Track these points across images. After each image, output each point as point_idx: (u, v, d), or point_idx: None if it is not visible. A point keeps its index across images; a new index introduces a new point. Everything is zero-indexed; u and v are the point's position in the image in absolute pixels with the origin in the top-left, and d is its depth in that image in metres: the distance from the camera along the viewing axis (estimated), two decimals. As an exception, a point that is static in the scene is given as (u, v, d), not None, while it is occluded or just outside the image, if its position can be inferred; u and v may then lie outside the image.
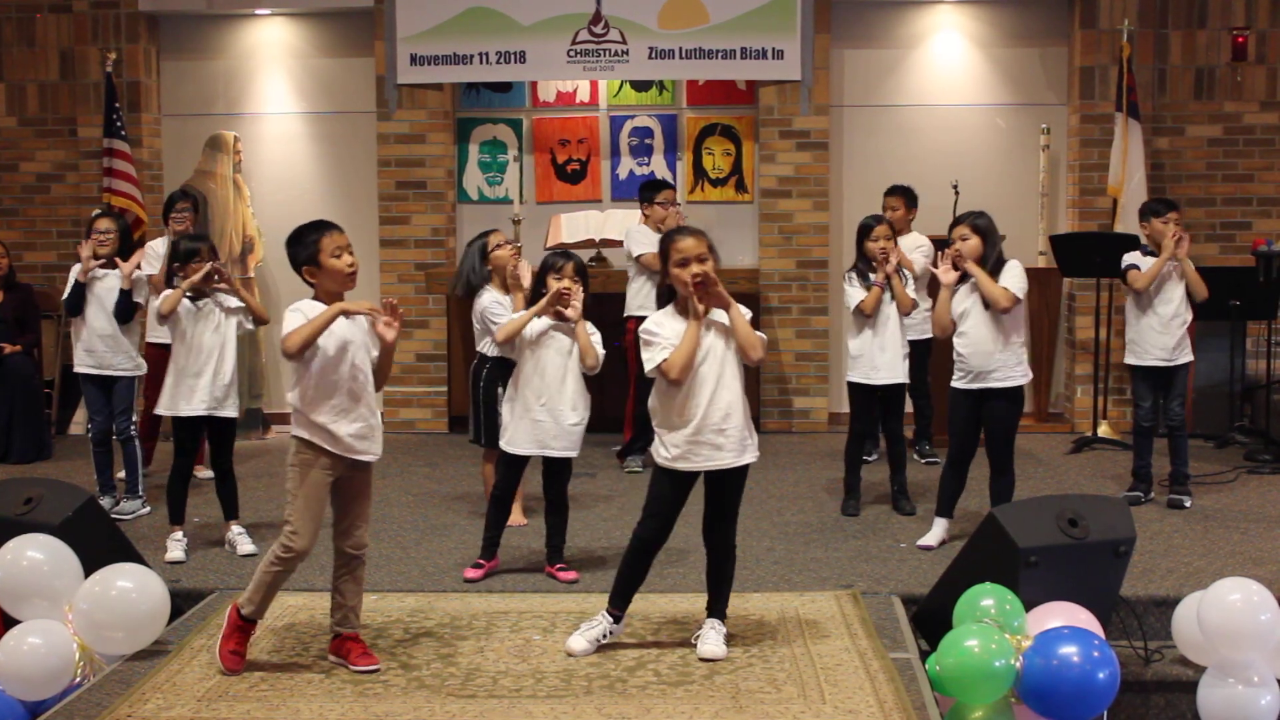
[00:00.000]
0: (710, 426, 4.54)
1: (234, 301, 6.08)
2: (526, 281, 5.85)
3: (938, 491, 6.15)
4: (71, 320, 6.98)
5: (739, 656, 4.62)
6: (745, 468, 4.68)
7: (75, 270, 6.81)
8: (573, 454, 5.62)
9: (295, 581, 5.34)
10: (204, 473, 7.22)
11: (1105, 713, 4.45)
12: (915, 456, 7.83)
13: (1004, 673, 4.24)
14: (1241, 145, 9.16)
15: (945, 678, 4.29)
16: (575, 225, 8.89)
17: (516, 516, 6.43)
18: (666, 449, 4.59)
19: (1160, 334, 6.69)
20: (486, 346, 6.19)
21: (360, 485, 4.60)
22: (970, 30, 9.39)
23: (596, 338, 5.52)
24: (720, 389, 4.54)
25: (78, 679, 4.58)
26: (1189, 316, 6.72)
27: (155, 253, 7.34)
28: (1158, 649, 5.03)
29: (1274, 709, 4.60)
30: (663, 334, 4.54)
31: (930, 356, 7.84)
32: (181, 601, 5.26)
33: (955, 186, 8.63)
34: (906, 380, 6.70)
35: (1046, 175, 9.23)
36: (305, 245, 4.54)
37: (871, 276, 6.54)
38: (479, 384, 6.26)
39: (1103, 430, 8.56)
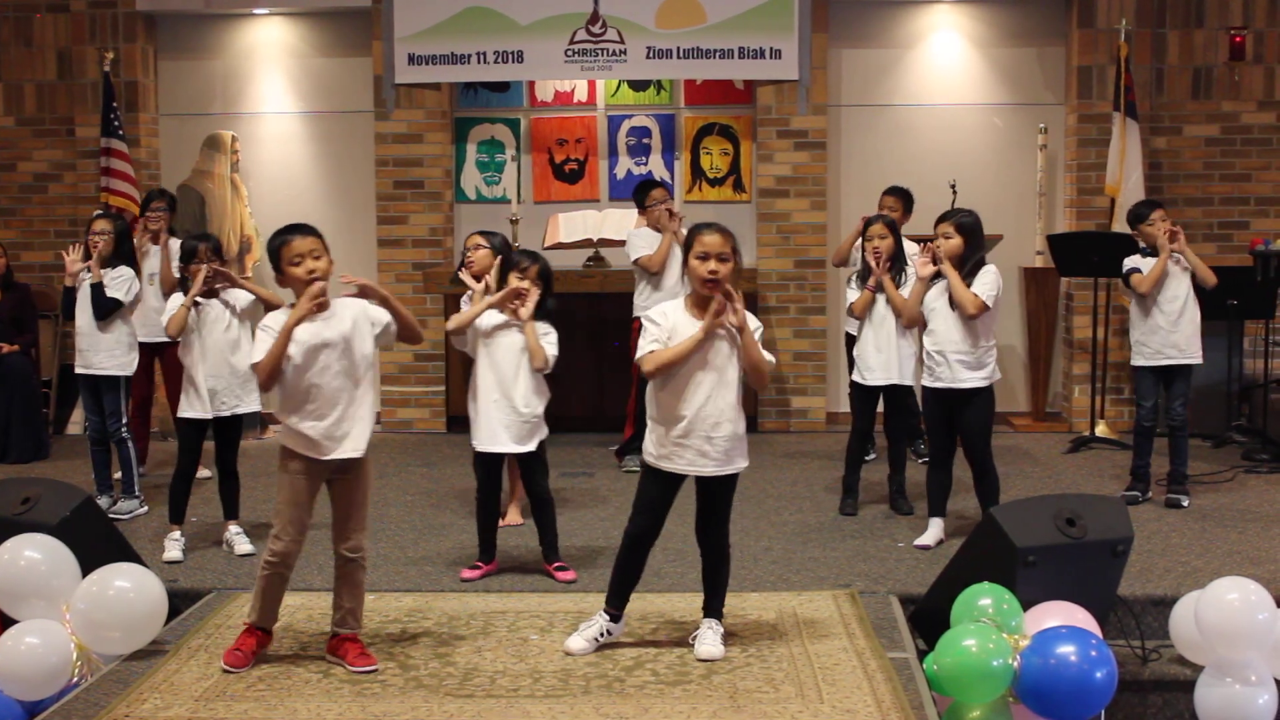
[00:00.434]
0: (698, 432, 4.52)
1: (245, 298, 6.06)
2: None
3: (927, 493, 6.16)
4: (70, 322, 6.98)
5: (737, 656, 4.62)
6: (734, 476, 4.64)
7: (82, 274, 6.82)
8: (530, 447, 5.56)
9: (293, 582, 5.34)
10: (203, 472, 7.23)
11: (1103, 712, 4.46)
12: (913, 456, 7.82)
13: (1002, 672, 4.24)
14: (1239, 145, 9.16)
15: (943, 677, 4.29)
16: (573, 225, 8.88)
17: (513, 517, 6.44)
18: (654, 447, 4.59)
19: (1170, 332, 6.68)
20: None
21: (351, 488, 4.58)
22: (968, 30, 9.39)
23: (551, 338, 5.51)
24: (715, 396, 4.52)
25: (75, 679, 4.58)
26: (1198, 314, 6.69)
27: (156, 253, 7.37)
28: (1155, 648, 5.04)
29: (1271, 708, 4.61)
30: (663, 326, 4.53)
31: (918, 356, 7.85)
32: (179, 601, 5.26)
33: (953, 186, 8.63)
34: (908, 382, 6.67)
35: (1044, 175, 9.23)
36: (271, 252, 4.55)
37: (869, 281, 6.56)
38: None
39: (1100, 430, 8.56)
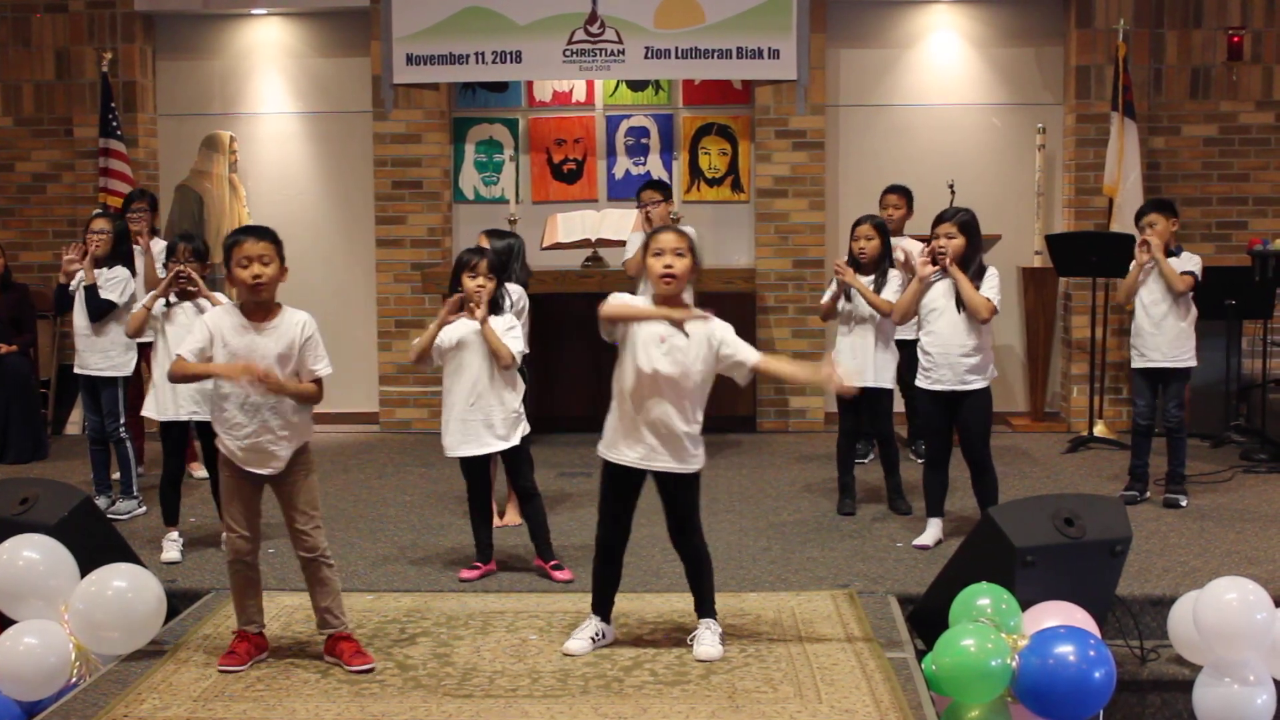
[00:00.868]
0: (644, 423, 4.51)
1: (221, 299, 6.05)
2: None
3: (924, 493, 6.16)
4: (64, 316, 6.97)
5: (735, 656, 4.62)
6: (689, 479, 4.62)
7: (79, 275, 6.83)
8: (513, 442, 5.54)
9: (291, 582, 5.35)
10: (199, 472, 7.23)
11: (1101, 712, 4.46)
12: (911, 456, 7.83)
13: (1000, 672, 4.24)
14: (1237, 145, 9.16)
15: (941, 677, 4.29)
16: (571, 225, 8.88)
17: (511, 517, 6.44)
18: (605, 435, 4.61)
19: (1154, 335, 6.70)
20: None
21: (289, 492, 4.56)
22: (966, 30, 9.40)
23: (515, 331, 5.49)
24: (667, 395, 4.50)
25: (74, 679, 4.58)
26: (1187, 319, 6.68)
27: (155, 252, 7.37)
28: (1154, 648, 5.04)
29: (1270, 708, 4.61)
30: (622, 300, 4.61)
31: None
32: (178, 602, 5.26)
33: (951, 186, 8.62)
34: (886, 385, 6.66)
35: (1042, 175, 9.23)
36: (224, 250, 4.54)
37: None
38: None
39: (1099, 430, 8.57)
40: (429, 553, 6.07)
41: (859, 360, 6.55)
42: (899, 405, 7.36)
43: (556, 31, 8.98)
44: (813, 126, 9.12)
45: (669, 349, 4.49)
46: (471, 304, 5.40)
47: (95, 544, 5.02)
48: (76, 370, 6.83)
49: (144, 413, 6.21)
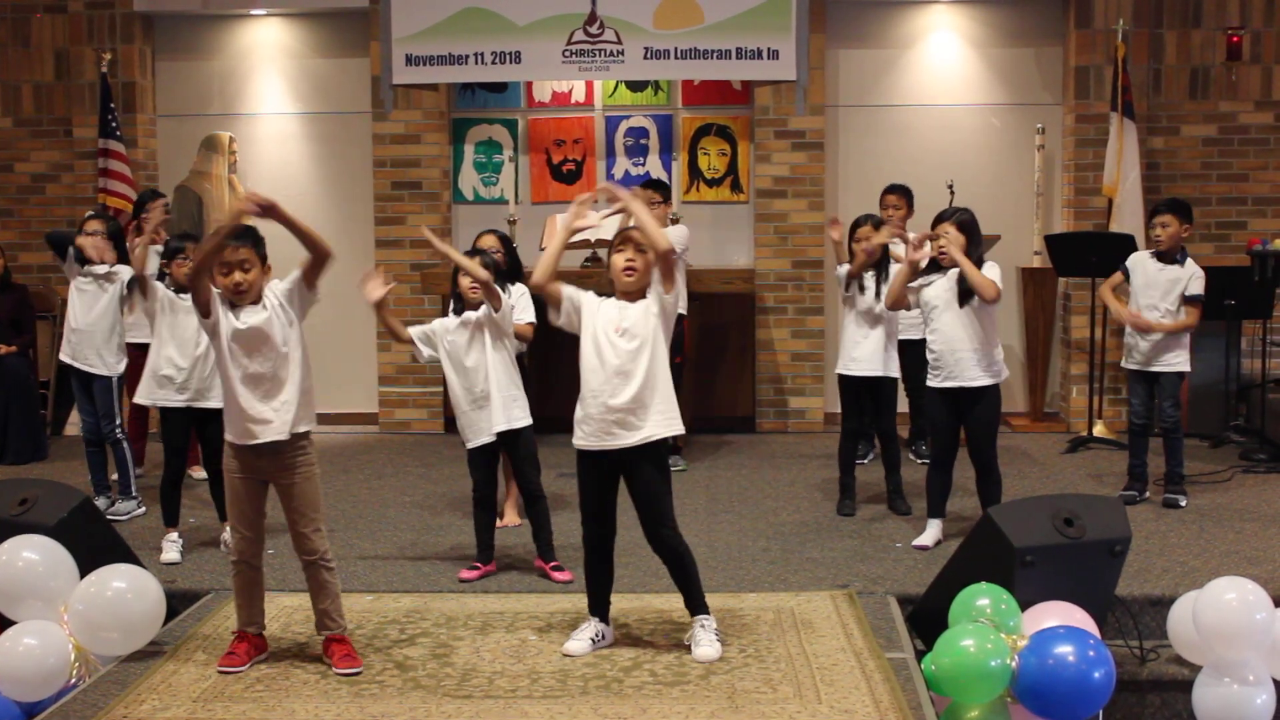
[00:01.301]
0: (600, 400, 4.56)
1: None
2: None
3: (926, 493, 6.16)
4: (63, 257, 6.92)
5: (734, 656, 4.62)
6: (653, 461, 4.59)
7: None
8: (519, 423, 5.60)
9: (291, 583, 5.35)
10: (199, 473, 7.23)
11: (1101, 712, 4.46)
12: (911, 456, 7.83)
13: (1000, 672, 4.24)
14: (1236, 145, 9.16)
15: (941, 677, 4.30)
16: (571, 225, 8.87)
17: (511, 517, 6.44)
18: (576, 426, 4.65)
19: (1139, 338, 6.72)
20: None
21: (289, 494, 4.56)
22: (965, 30, 9.40)
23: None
24: (624, 366, 4.55)
25: (73, 680, 4.58)
26: (1177, 319, 6.68)
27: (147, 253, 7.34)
28: (1153, 648, 5.04)
29: (1269, 708, 4.61)
30: (585, 297, 4.67)
31: (926, 356, 7.84)
32: (177, 602, 5.26)
33: (950, 186, 8.63)
34: (891, 375, 6.67)
35: (1041, 175, 9.23)
36: None
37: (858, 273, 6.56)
38: None
39: (1098, 430, 8.57)
40: (428, 553, 6.07)
41: (869, 346, 6.54)
42: (901, 405, 7.35)
43: (556, 32, 8.99)
44: (812, 127, 9.13)
45: (624, 333, 4.56)
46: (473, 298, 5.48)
47: (95, 545, 5.02)
48: (64, 359, 6.82)
49: (136, 399, 6.21)
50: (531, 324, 5.96)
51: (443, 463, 8.19)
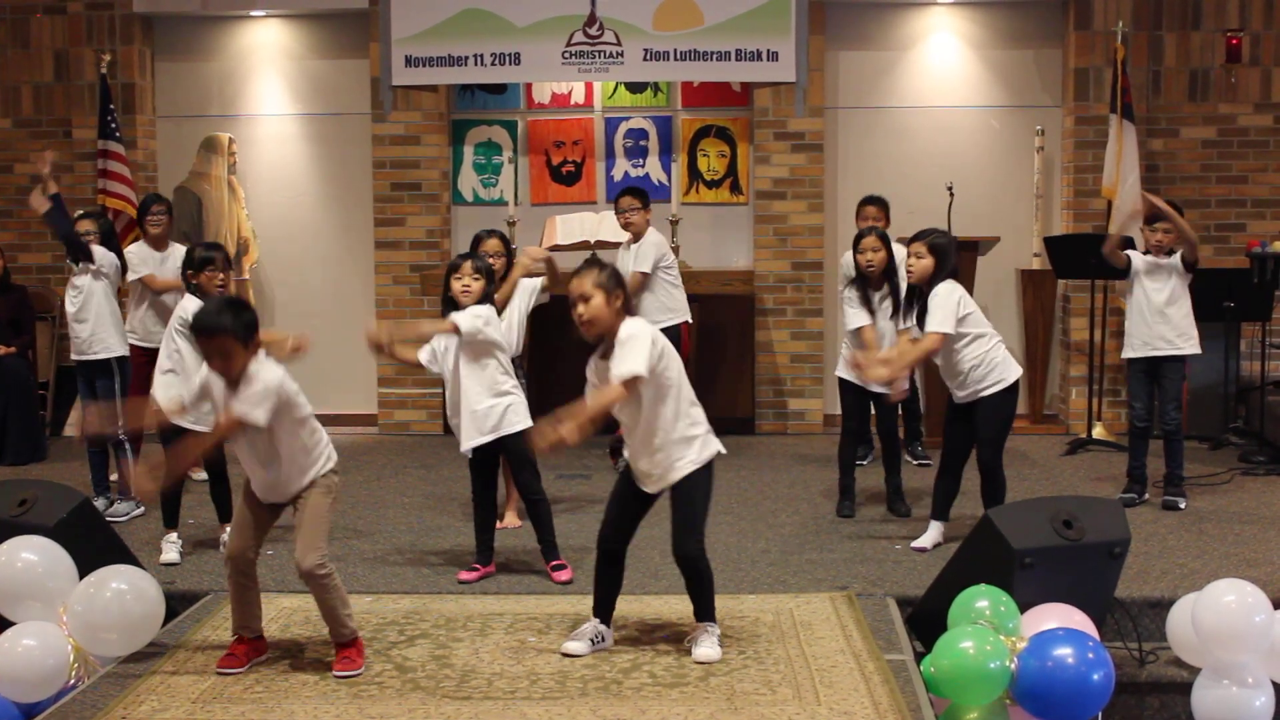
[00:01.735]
0: (638, 454, 4.60)
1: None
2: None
3: (932, 495, 6.16)
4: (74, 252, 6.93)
5: (734, 658, 4.61)
6: (696, 482, 4.60)
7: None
8: (515, 428, 5.58)
9: (290, 583, 5.35)
10: (198, 474, 7.22)
11: (1100, 714, 4.46)
12: (907, 458, 7.82)
13: (999, 674, 4.24)
14: (1236, 147, 9.17)
15: (940, 679, 4.30)
16: (570, 227, 8.88)
17: (510, 519, 6.44)
18: (625, 450, 4.70)
19: (1157, 322, 6.69)
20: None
21: (298, 510, 4.56)
22: (965, 32, 9.40)
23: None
24: (641, 430, 4.57)
25: (72, 681, 4.57)
26: (1186, 306, 6.68)
27: (138, 256, 7.35)
28: (1152, 650, 5.04)
29: (1268, 710, 4.61)
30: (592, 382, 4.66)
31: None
32: (176, 603, 5.25)
33: (950, 188, 8.63)
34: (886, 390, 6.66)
35: (1041, 177, 9.24)
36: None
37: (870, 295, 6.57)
38: None
39: (1097, 432, 8.57)
40: (428, 554, 6.07)
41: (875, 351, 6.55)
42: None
43: (555, 33, 8.99)
44: (811, 129, 9.13)
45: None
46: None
47: (94, 545, 5.02)
48: (75, 357, 6.83)
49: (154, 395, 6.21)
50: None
51: (442, 464, 8.18)
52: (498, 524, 6.03)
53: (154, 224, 7.46)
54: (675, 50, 8.98)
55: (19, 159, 9.58)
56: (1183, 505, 6.78)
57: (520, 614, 5.14)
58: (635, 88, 9.49)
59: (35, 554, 4.72)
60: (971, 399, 5.88)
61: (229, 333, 4.30)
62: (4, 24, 9.52)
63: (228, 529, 6.03)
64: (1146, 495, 6.91)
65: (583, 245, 8.84)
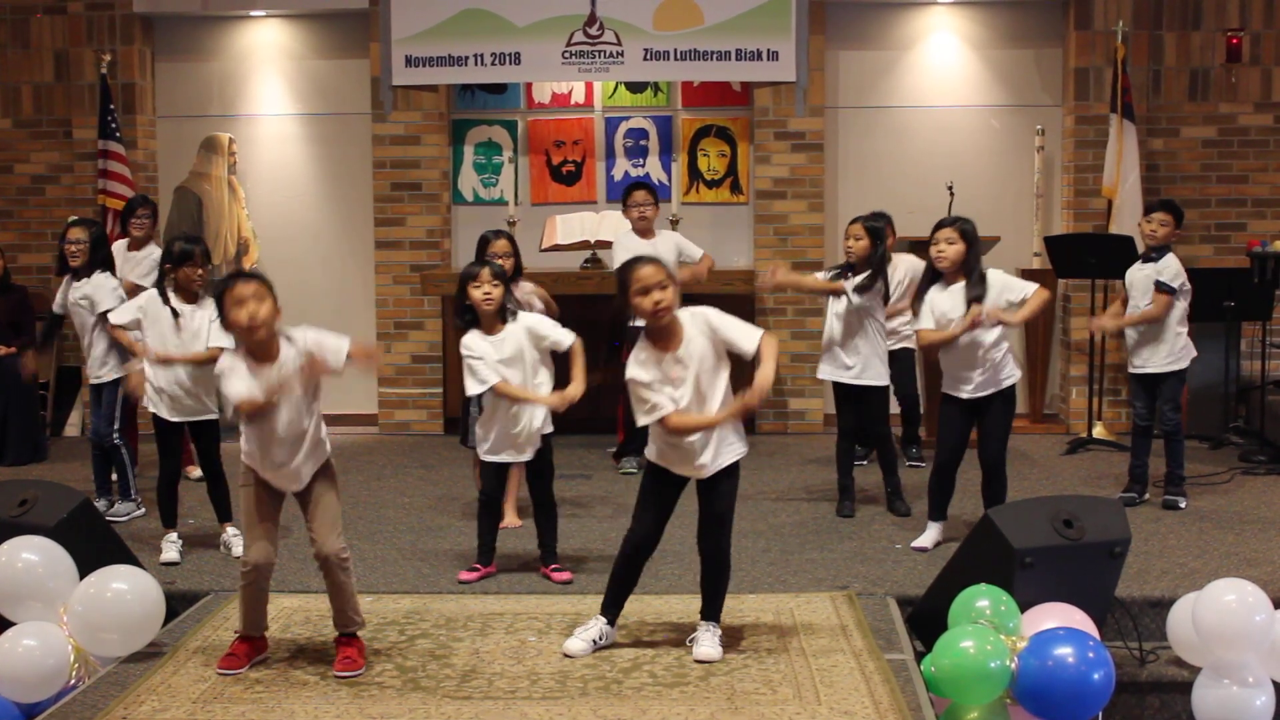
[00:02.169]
0: (690, 440, 4.54)
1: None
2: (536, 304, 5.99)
3: (928, 496, 6.15)
4: (49, 345, 6.96)
5: (734, 658, 4.62)
6: (733, 472, 4.63)
7: (64, 286, 6.83)
8: (548, 431, 5.58)
9: (291, 584, 5.36)
10: (196, 472, 7.23)
11: (1100, 713, 4.46)
12: (902, 458, 7.80)
13: (999, 674, 4.24)
14: (1236, 146, 9.17)
15: (941, 679, 4.30)
16: (570, 227, 8.89)
17: (511, 519, 6.43)
18: (654, 447, 4.63)
19: (1142, 343, 6.72)
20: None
21: (311, 499, 4.59)
22: (965, 32, 9.40)
23: (546, 324, 5.51)
24: (706, 407, 4.52)
25: (72, 681, 4.58)
26: (1171, 330, 6.67)
27: (118, 255, 7.35)
28: (1153, 650, 5.04)
29: (1269, 710, 4.61)
30: (654, 379, 4.49)
31: (917, 362, 7.85)
32: (176, 603, 5.26)
33: (950, 188, 8.62)
34: (883, 383, 6.64)
35: (1041, 176, 9.23)
36: (216, 299, 4.54)
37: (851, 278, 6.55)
38: None
39: (1098, 431, 8.57)
40: (428, 554, 6.07)
41: (858, 355, 6.53)
42: (894, 407, 7.35)
43: (555, 33, 8.99)
44: (812, 128, 9.13)
45: (674, 378, 4.49)
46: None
47: (94, 546, 5.02)
48: (93, 381, 6.81)
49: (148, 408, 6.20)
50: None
51: (442, 464, 8.19)
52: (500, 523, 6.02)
53: (137, 227, 7.55)
54: (675, 50, 8.98)
55: (19, 159, 9.58)
56: (1183, 505, 6.78)
57: (520, 614, 5.14)
58: (635, 87, 9.49)
59: (35, 554, 4.72)
60: (983, 393, 5.85)
61: (266, 283, 4.49)
62: (4, 24, 9.52)
63: (228, 529, 6.07)
64: (1147, 495, 6.91)
65: (583, 245, 8.85)
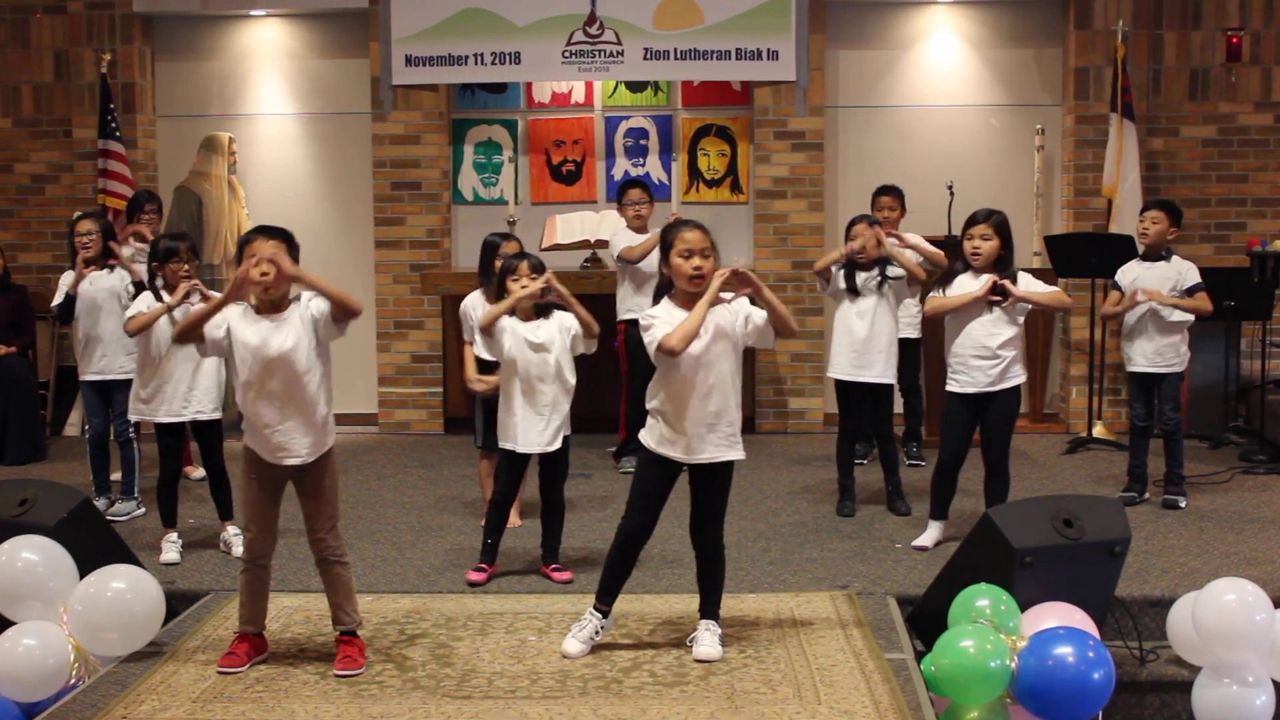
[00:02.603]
0: (700, 420, 4.53)
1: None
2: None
3: (930, 495, 6.15)
4: (69, 326, 6.96)
5: (734, 657, 4.62)
6: (730, 467, 4.65)
7: (65, 278, 6.81)
8: (559, 444, 5.58)
9: (290, 583, 5.36)
10: (197, 473, 7.23)
11: (1100, 713, 4.46)
12: (902, 457, 7.80)
13: (999, 673, 4.24)
14: (1236, 146, 9.17)
15: (941, 678, 4.30)
16: (570, 226, 8.89)
17: (512, 518, 6.43)
18: (653, 434, 4.61)
19: (1140, 340, 6.72)
20: (481, 350, 6.17)
21: (309, 491, 4.58)
22: (965, 31, 9.40)
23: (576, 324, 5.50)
24: (717, 384, 4.53)
25: (73, 681, 4.58)
26: (1176, 321, 6.68)
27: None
28: (1153, 649, 5.04)
29: (1269, 709, 4.61)
30: (660, 317, 4.55)
31: (921, 356, 7.85)
32: (177, 603, 5.26)
33: (950, 187, 8.62)
34: (891, 381, 6.65)
35: (1041, 176, 9.23)
36: (238, 249, 4.57)
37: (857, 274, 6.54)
38: None
39: (1098, 431, 8.57)
40: (428, 554, 6.07)
41: (884, 355, 6.52)
42: (896, 405, 7.34)
43: (555, 33, 8.99)
44: (812, 128, 9.13)
45: (712, 336, 4.51)
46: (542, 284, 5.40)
47: (94, 545, 5.02)
48: (93, 377, 6.78)
49: (130, 416, 6.20)
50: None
51: (443, 463, 8.19)
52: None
53: (146, 222, 7.55)
54: (675, 49, 8.98)
55: (19, 158, 9.59)
56: (1183, 504, 6.78)
57: (520, 613, 5.14)
58: (635, 87, 9.49)
59: (35, 554, 4.72)
60: (990, 389, 5.83)
61: (290, 240, 4.49)
62: (4, 24, 9.52)
63: (229, 527, 6.07)
64: (1147, 494, 6.91)
65: (583, 244, 8.85)
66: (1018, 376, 5.88)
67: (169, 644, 4.81)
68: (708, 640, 4.64)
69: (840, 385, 6.66)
